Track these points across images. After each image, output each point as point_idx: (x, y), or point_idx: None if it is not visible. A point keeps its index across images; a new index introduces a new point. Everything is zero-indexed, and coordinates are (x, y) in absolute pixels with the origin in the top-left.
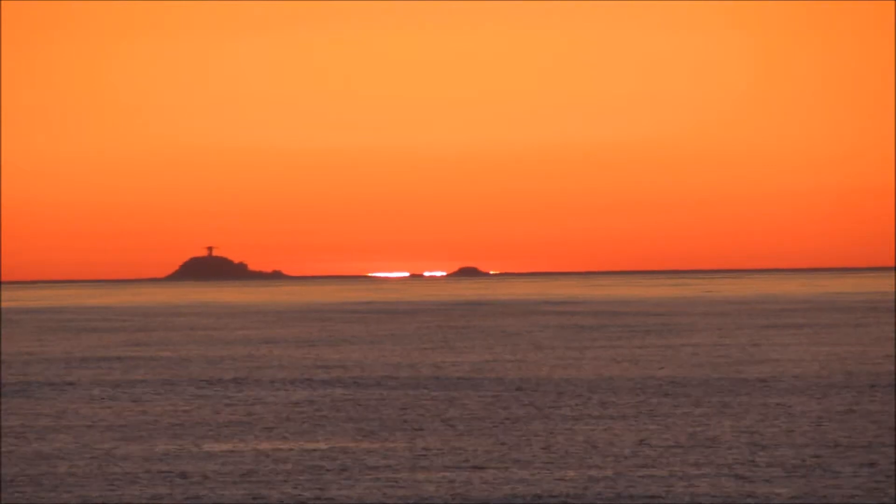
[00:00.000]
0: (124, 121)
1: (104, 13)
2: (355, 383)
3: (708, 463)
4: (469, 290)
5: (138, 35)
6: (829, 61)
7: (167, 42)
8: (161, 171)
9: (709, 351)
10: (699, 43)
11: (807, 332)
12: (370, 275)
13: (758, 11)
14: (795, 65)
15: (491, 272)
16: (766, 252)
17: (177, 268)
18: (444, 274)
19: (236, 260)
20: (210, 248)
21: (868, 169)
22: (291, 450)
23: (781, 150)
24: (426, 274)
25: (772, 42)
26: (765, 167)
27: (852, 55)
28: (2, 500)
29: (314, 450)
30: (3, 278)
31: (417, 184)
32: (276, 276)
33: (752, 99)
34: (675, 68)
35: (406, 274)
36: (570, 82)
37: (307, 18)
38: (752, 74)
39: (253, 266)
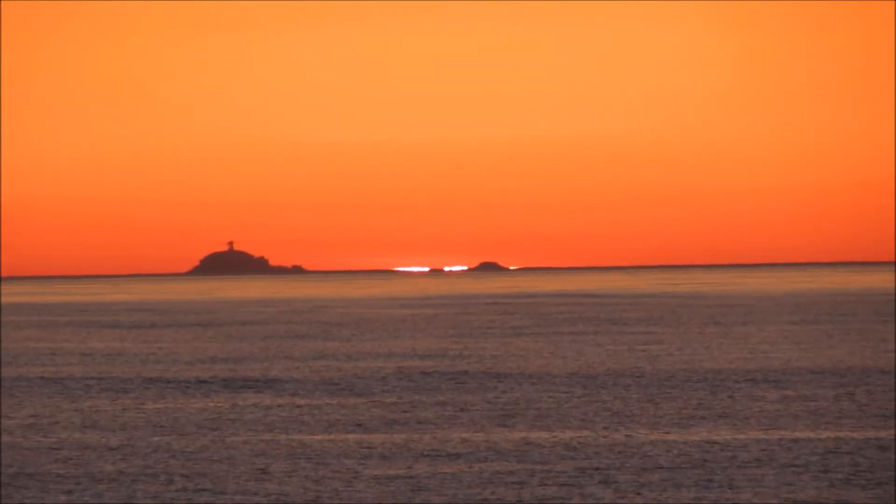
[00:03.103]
0: (144, 116)
1: (124, 9)
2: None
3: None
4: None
5: (157, 30)
6: (811, 59)
7: (186, 37)
8: (181, 165)
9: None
10: (704, 41)
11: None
12: (394, 269)
13: (742, 10)
14: (778, 62)
15: (511, 267)
16: (743, 248)
17: (197, 263)
18: (465, 269)
19: (256, 255)
20: (230, 243)
21: (851, 166)
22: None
23: (766, 147)
24: (447, 269)
25: (757, 40)
26: (759, 165)
27: (838, 53)
28: (2, 500)
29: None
30: (19, 273)
31: (438, 179)
32: (297, 271)
33: (744, 94)
34: (684, 65)
35: (426, 269)
36: (578, 79)
37: (329, 16)
38: (740, 72)
39: (273, 261)
